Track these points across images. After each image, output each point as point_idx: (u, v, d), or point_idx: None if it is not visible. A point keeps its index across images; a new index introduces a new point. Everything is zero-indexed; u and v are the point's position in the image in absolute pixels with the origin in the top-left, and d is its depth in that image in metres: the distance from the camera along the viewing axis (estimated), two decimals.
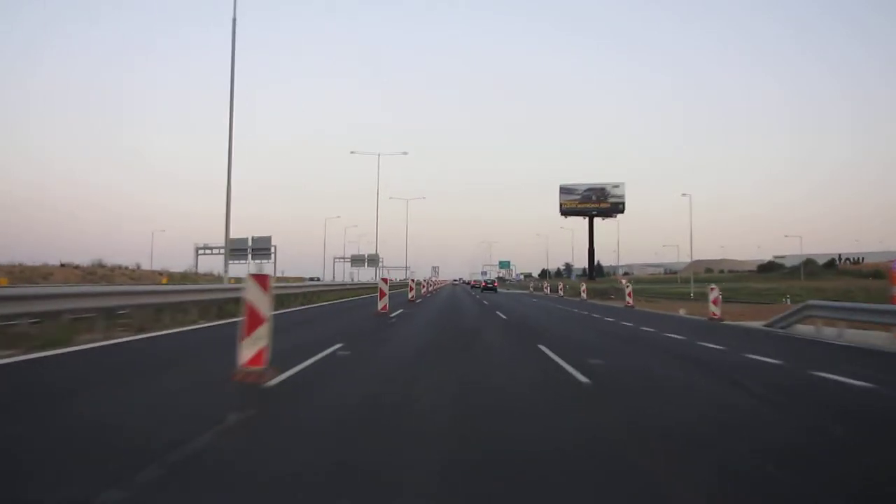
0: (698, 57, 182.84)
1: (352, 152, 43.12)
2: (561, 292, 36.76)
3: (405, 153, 42.68)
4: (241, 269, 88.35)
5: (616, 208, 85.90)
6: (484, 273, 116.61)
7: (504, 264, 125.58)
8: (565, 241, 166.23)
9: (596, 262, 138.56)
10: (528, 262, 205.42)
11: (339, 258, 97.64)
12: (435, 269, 55.92)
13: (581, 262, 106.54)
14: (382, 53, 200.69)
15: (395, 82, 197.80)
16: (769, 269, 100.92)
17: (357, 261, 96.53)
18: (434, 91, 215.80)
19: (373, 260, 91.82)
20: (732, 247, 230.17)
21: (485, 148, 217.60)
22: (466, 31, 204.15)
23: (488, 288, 62.40)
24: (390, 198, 64.64)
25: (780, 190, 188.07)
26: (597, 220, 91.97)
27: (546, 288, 45.68)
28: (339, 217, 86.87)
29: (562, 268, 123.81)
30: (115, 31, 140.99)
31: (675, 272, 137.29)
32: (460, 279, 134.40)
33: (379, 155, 39.90)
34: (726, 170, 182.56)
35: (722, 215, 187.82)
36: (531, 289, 54.56)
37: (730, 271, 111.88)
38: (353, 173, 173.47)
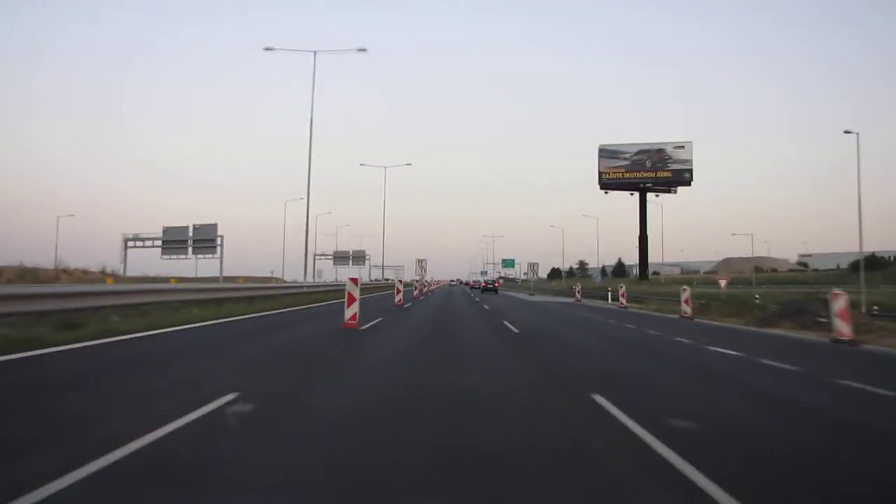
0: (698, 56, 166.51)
1: (266, 48, 23.92)
2: (687, 307, 16.67)
3: (363, 49, 22.18)
4: (183, 266, 66.13)
5: (680, 178, 68.39)
6: (484, 273, 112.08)
7: (508, 263, 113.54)
8: (575, 241, 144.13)
9: (618, 260, 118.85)
10: (548, 258, 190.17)
11: (321, 255, 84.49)
12: (421, 264, 29.44)
13: (604, 260, 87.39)
14: (382, 53, 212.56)
15: (394, 82, 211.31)
16: (868, 266, 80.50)
17: (340, 258, 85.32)
18: (433, 91, 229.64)
19: (359, 257, 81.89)
20: (742, 243, 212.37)
21: (486, 147, 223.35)
22: (465, 31, 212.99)
23: (488, 288, 62.08)
24: (362, 164, 46.28)
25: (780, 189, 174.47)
26: (647, 195, 71.38)
27: (622, 294, 25.42)
28: (301, 199, 66.96)
29: (575, 266, 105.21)
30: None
31: (698, 272, 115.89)
32: (458, 280, 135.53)
33: (315, 53, 21.82)
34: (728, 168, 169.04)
35: (723, 213, 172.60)
36: (577, 294, 37.38)
37: (772, 270, 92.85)
38: (348, 172, 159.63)
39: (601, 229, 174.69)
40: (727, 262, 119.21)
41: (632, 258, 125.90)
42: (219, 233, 62.37)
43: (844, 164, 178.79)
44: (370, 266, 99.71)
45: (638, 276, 68.51)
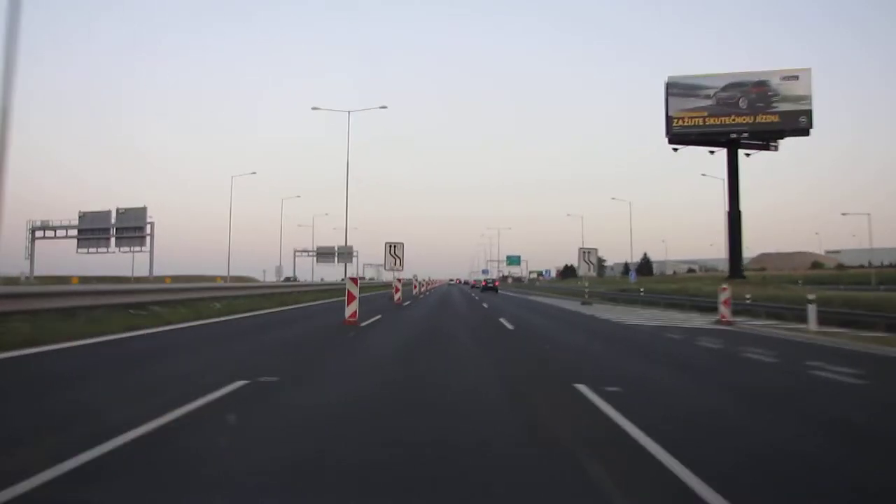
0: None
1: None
2: None
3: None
4: (106, 262, 60.79)
5: (792, 123, 43.83)
6: (485, 272, 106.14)
7: (513, 260, 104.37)
8: (584, 239, 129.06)
9: (643, 256, 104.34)
10: (544, 260, 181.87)
11: (302, 252, 74.19)
12: (394, 251, 23.68)
13: (620, 257, 74.61)
14: (379, 50, 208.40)
15: (392, 79, 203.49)
16: None
17: (324, 255, 72.44)
18: (430, 88, 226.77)
19: (345, 254, 61.91)
20: (771, 236, 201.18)
21: (485, 144, 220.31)
22: (463, 32, 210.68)
23: (488, 288, 61.23)
24: (314, 108, 30.16)
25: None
26: (739, 151, 46.96)
27: None
28: (254, 174, 53.52)
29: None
30: None
31: (715, 269, 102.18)
32: (457, 279, 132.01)
33: None
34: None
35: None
36: (725, 308, 17.87)
37: (839, 267, 78.44)
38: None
39: (614, 225, 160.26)
40: (764, 258, 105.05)
41: (657, 254, 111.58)
42: (149, 218, 48.08)
43: (852, 152, 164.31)
44: (358, 263, 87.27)
45: (729, 272, 46.02)
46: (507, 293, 55.41)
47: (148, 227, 48.91)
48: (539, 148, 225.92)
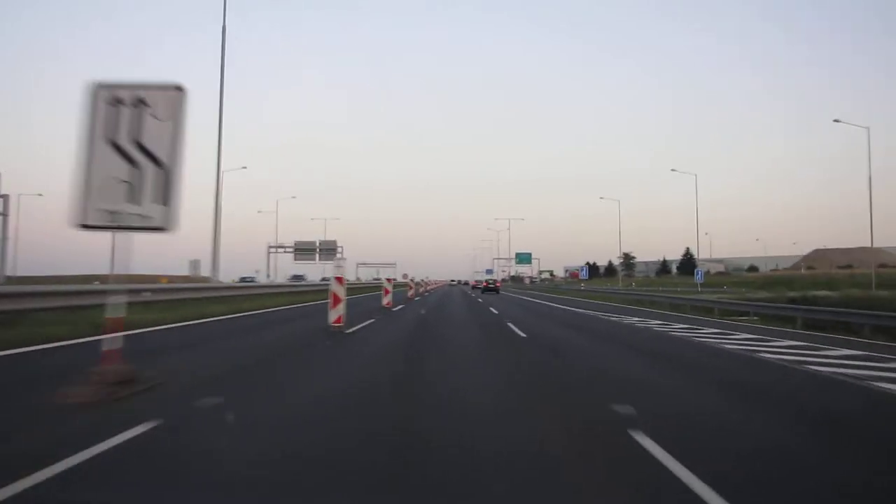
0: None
1: None
2: None
3: None
4: None
5: None
6: (489, 271, 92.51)
7: (524, 258, 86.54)
8: (590, 240, 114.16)
9: (685, 251, 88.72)
10: (552, 261, 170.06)
11: (279, 248, 58.73)
12: None
13: (644, 256, 60.41)
14: (380, 52, 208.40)
15: (391, 77, 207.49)
16: None
17: (304, 251, 58.16)
18: (429, 87, 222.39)
19: (328, 249, 56.29)
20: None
21: (489, 142, 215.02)
22: (462, 32, 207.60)
23: (489, 289, 60.12)
24: None
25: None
26: None
27: None
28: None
29: (616, 261, 76.15)
30: None
31: (741, 269, 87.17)
32: (457, 280, 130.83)
33: None
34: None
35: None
36: None
37: None
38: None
39: (630, 226, 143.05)
40: (820, 255, 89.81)
41: (702, 250, 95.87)
42: (1, 190, 31.67)
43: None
44: (341, 259, 68.39)
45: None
46: (551, 303, 33.61)
47: (0, 201, 32.22)
48: (542, 146, 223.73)
